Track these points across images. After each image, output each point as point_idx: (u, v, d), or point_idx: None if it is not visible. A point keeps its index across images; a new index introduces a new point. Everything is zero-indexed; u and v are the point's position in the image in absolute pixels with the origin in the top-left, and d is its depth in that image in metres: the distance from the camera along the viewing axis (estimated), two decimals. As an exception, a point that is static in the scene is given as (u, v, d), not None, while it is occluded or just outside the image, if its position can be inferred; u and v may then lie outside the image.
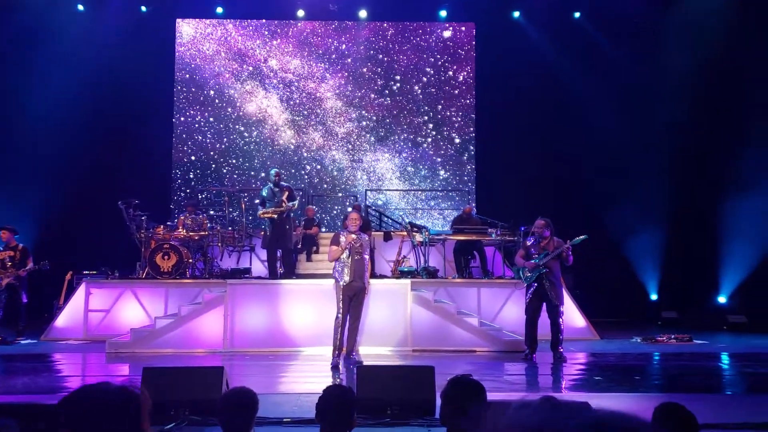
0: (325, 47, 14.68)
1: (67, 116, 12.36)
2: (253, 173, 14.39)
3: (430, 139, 14.60)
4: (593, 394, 5.71)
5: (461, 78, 14.70)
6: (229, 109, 14.50)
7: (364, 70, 14.65)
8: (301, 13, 14.26)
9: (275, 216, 9.49)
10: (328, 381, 6.50)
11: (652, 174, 12.56)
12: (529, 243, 7.97)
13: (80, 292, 9.76)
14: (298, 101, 14.59)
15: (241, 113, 14.51)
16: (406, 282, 9.04)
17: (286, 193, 9.62)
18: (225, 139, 14.44)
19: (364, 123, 14.61)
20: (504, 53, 13.93)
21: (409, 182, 14.57)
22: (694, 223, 12.52)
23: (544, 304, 7.79)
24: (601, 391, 6.03)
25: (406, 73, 14.67)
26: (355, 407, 2.78)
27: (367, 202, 13.72)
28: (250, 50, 14.62)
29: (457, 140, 14.60)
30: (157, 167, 13.95)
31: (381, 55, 14.70)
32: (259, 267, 11.45)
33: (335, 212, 14.28)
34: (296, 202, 9.87)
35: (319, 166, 14.50)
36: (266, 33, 14.68)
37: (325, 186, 14.46)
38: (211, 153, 14.40)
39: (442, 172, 14.56)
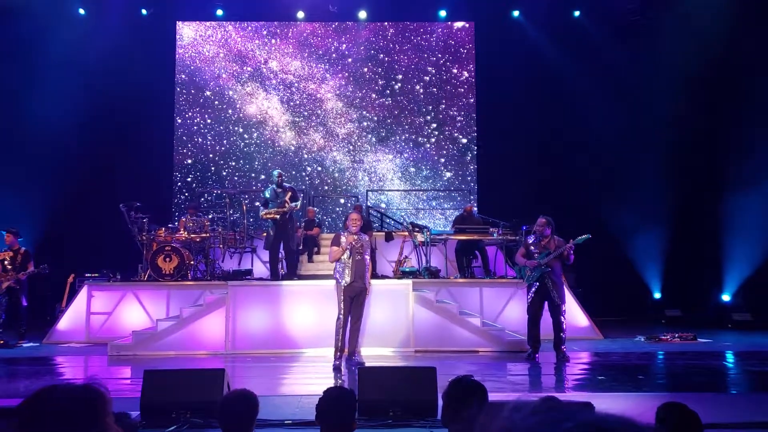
0: (325, 48, 14.67)
1: (68, 119, 12.37)
2: (253, 175, 14.38)
3: (431, 139, 14.57)
4: (597, 394, 5.68)
5: (462, 78, 14.68)
6: (230, 111, 14.50)
7: (365, 69, 14.64)
8: (300, 14, 14.26)
9: (278, 217, 9.52)
10: (329, 382, 6.48)
11: (655, 172, 12.52)
12: (529, 241, 7.95)
13: (82, 294, 9.76)
14: (298, 102, 14.58)
15: (241, 115, 14.51)
16: (408, 282, 9.03)
17: (289, 194, 9.66)
18: (225, 141, 14.43)
19: (365, 123, 14.59)
20: (504, 52, 13.92)
21: (410, 182, 14.54)
22: (697, 221, 12.48)
23: (546, 303, 7.78)
24: (605, 391, 5.99)
25: (406, 74, 14.65)
26: (355, 409, 2.76)
27: (368, 203, 13.70)
28: (250, 52, 14.62)
29: (459, 140, 14.57)
30: (158, 169, 13.96)
31: (381, 56, 14.69)
32: (260, 268, 11.44)
33: (336, 214, 14.25)
34: (299, 203, 9.90)
35: (320, 168, 14.48)
36: (266, 34, 14.68)
37: (326, 188, 14.44)
38: (212, 155, 14.40)
39: (443, 172, 14.53)
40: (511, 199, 12.62)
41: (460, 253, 10.91)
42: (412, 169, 14.51)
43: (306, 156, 14.50)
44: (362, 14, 14.38)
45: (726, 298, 12.44)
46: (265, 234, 10.36)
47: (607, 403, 4.92)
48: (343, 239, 7.38)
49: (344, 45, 14.68)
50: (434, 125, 14.59)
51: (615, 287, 12.44)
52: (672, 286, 12.95)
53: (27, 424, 1.54)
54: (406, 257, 10.54)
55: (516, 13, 14.25)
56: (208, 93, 14.49)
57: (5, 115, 12.37)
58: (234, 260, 11.22)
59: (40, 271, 9.47)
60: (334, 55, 14.65)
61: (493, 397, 3.00)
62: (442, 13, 14.47)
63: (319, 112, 14.58)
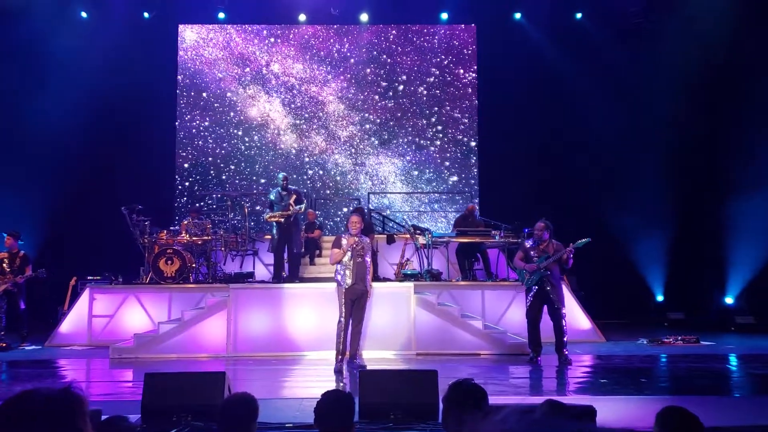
0: (327, 51, 14.68)
1: (70, 122, 12.40)
2: (255, 178, 14.39)
3: (434, 142, 14.56)
4: (599, 397, 5.65)
5: (464, 80, 14.68)
6: (231, 114, 14.52)
7: (368, 71, 14.64)
8: (302, 17, 14.28)
9: (282, 220, 9.55)
10: (331, 385, 6.46)
11: (658, 173, 12.49)
12: (528, 245, 7.97)
13: (84, 297, 9.76)
14: (300, 105, 14.59)
15: (242, 117, 14.52)
16: (410, 285, 9.02)
17: (294, 196, 9.72)
18: (227, 144, 14.45)
19: (367, 126, 14.60)
20: (506, 55, 13.91)
21: (412, 185, 14.53)
22: (700, 223, 12.44)
23: (546, 306, 7.78)
24: (607, 394, 5.96)
25: (408, 76, 14.66)
26: (353, 412, 2.74)
27: (370, 206, 13.69)
28: (252, 55, 14.64)
29: (461, 142, 14.56)
30: (160, 172, 13.98)
31: (383, 58, 14.69)
32: (262, 271, 11.45)
33: (339, 217, 14.24)
34: (303, 206, 9.95)
35: (321, 171, 14.48)
36: (268, 37, 14.70)
37: (328, 192, 14.43)
38: (214, 158, 14.41)
39: (445, 174, 14.52)
40: (513, 201, 12.61)
41: (461, 256, 10.90)
42: (415, 173, 14.49)
43: (307, 159, 14.50)
44: (364, 17, 14.39)
45: (729, 300, 12.39)
46: (269, 237, 10.39)
47: (609, 406, 4.90)
48: (343, 241, 7.38)
49: (346, 48, 14.69)
50: (436, 128, 14.58)
51: (617, 290, 12.41)
52: (675, 288, 12.91)
53: (3, 426, 1.56)
54: (408, 260, 10.53)
55: (518, 16, 14.24)
56: (209, 96, 14.51)
57: (7, 117, 12.42)
58: (236, 263, 11.22)
59: (37, 275, 9.47)
60: (336, 58, 14.66)
61: (495, 400, 2.98)
62: (444, 16, 14.47)
63: (321, 114, 14.59)
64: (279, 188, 9.86)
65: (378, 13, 14.39)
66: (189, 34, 14.64)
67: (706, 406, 4.58)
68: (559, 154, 13.26)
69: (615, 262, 12.63)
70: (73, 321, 9.75)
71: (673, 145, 12.40)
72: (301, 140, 14.54)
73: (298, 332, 8.75)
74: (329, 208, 14.48)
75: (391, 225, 13.37)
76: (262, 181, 14.28)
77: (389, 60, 14.69)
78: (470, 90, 14.65)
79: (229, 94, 14.54)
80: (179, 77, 14.51)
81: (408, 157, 14.53)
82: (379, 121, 14.61)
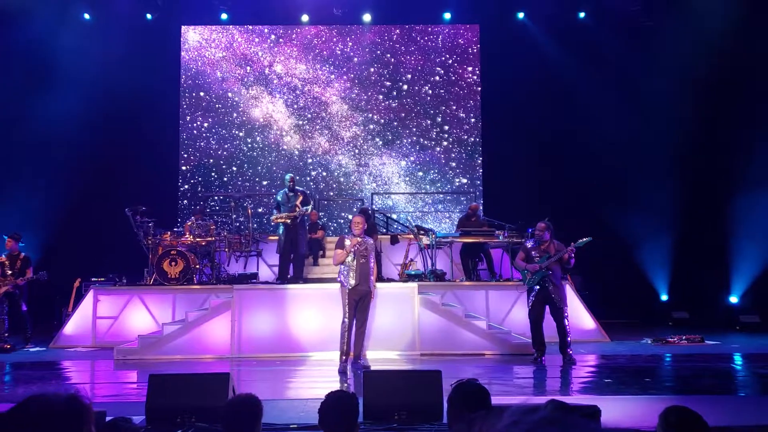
0: (330, 51, 14.68)
1: (73, 123, 12.43)
2: (257, 179, 14.40)
3: (439, 142, 14.55)
4: (603, 397, 5.65)
5: (467, 80, 14.66)
6: (234, 115, 14.53)
7: (372, 69, 14.63)
8: (305, 18, 14.28)
9: (288, 221, 9.56)
10: (335, 386, 6.46)
11: (662, 173, 12.46)
12: (529, 245, 7.99)
13: (88, 299, 9.78)
14: (303, 106, 14.59)
15: (246, 118, 14.53)
16: (414, 285, 9.02)
17: (300, 197, 9.72)
18: (230, 145, 14.46)
19: (371, 126, 14.59)
20: (509, 55, 13.88)
21: (416, 186, 14.52)
22: (704, 222, 12.40)
23: (548, 306, 7.79)
24: (611, 394, 5.96)
25: (412, 76, 14.64)
26: (357, 413, 2.74)
27: (374, 206, 13.68)
28: (254, 55, 14.65)
29: (464, 142, 14.54)
30: (164, 173, 14.00)
31: (386, 58, 14.68)
32: (266, 272, 11.45)
33: (342, 219, 14.23)
34: (310, 207, 9.95)
35: (325, 173, 14.47)
36: (271, 38, 14.71)
37: (332, 194, 14.43)
38: (217, 159, 14.42)
39: (449, 175, 14.50)
40: (517, 202, 12.59)
41: (465, 256, 10.89)
42: (420, 173, 14.47)
43: (311, 160, 14.50)
44: (367, 17, 14.38)
45: (734, 299, 12.35)
46: (275, 238, 10.41)
47: (613, 406, 4.88)
48: (346, 242, 7.38)
49: (349, 48, 14.69)
50: (440, 128, 14.56)
51: (621, 289, 12.39)
52: (679, 287, 12.87)
53: (10, 431, 1.57)
54: (412, 260, 10.53)
55: (521, 15, 14.22)
56: (212, 97, 14.53)
57: (11, 119, 12.44)
58: (239, 264, 11.24)
59: (38, 278, 9.49)
60: (339, 58, 14.65)
61: (500, 400, 2.98)
62: (447, 16, 14.46)
63: (324, 115, 14.59)
64: (286, 189, 9.87)
65: (381, 13, 14.38)
66: (192, 35, 14.66)
67: (710, 406, 4.57)
68: (563, 153, 13.23)
69: (619, 262, 12.60)
70: (77, 322, 9.76)
71: (678, 144, 12.36)
72: (304, 141, 14.54)
73: (302, 333, 8.75)
74: (333, 209, 14.47)
75: (395, 225, 13.36)
76: (265, 182, 14.28)
77: (393, 60, 14.68)
78: (475, 90, 14.63)
79: (232, 95, 14.56)
80: (182, 78, 14.52)
81: (412, 158, 14.52)
82: (382, 121, 14.60)
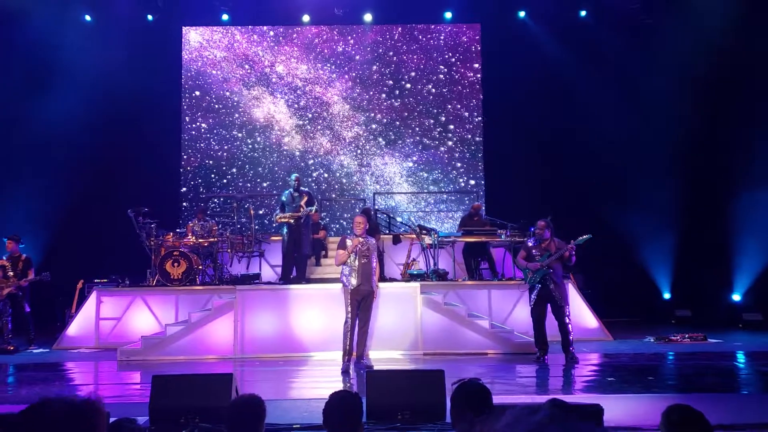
0: (331, 51, 14.68)
1: (75, 124, 12.45)
2: (259, 180, 14.41)
3: (442, 141, 14.53)
4: (606, 396, 5.65)
5: (470, 78, 14.65)
6: (236, 115, 14.53)
7: (374, 68, 14.62)
8: (306, 18, 14.28)
9: (292, 221, 9.57)
10: (338, 386, 6.47)
11: (663, 172, 12.45)
12: (530, 244, 8.00)
13: (91, 300, 9.80)
14: (304, 106, 14.60)
15: (247, 119, 14.54)
16: (416, 285, 9.02)
17: (305, 198, 9.74)
18: (232, 146, 14.47)
19: (373, 126, 14.59)
20: (510, 53, 13.86)
21: (418, 185, 14.52)
22: (706, 220, 12.39)
23: (549, 305, 7.79)
24: (614, 393, 5.96)
25: (413, 76, 14.63)
26: (361, 412, 2.75)
27: (376, 206, 13.69)
28: (255, 56, 14.65)
29: (466, 142, 14.53)
30: (166, 174, 14.01)
31: (388, 58, 14.68)
32: (268, 272, 11.46)
33: (344, 220, 14.23)
34: (314, 208, 9.96)
35: (326, 173, 14.47)
36: (272, 38, 14.71)
37: (334, 196, 14.43)
38: (218, 160, 14.43)
39: (452, 175, 14.50)
40: (519, 201, 12.58)
41: (468, 256, 10.89)
42: (423, 174, 14.45)
43: (312, 160, 14.50)
44: (368, 17, 14.38)
45: (736, 297, 12.34)
46: (278, 238, 10.43)
47: (616, 404, 4.89)
48: (348, 242, 7.39)
49: (351, 48, 14.69)
50: (443, 127, 14.55)
51: (624, 288, 12.38)
52: (682, 286, 12.85)
53: (24, 431, 1.58)
54: (414, 260, 10.53)
55: (522, 14, 14.21)
56: (214, 97, 14.54)
57: (12, 120, 12.46)
58: (242, 264, 11.25)
59: (41, 278, 9.52)
60: (340, 58, 14.65)
61: (502, 399, 2.99)
62: (448, 15, 14.45)
63: (326, 115, 14.59)
64: (291, 189, 9.88)
65: (381, 13, 14.37)
66: (193, 36, 14.68)
67: (713, 404, 4.56)
68: (565, 152, 13.21)
69: (622, 260, 12.59)
70: (80, 324, 9.78)
71: (680, 142, 12.35)
72: (305, 141, 14.54)
73: (304, 333, 8.76)
74: (335, 209, 14.47)
75: (397, 225, 13.37)
76: (266, 183, 14.29)
77: (395, 58, 14.66)
78: (477, 88, 14.62)
79: (233, 96, 14.56)
80: (183, 79, 14.54)
81: (414, 157, 14.51)
82: (385, 121, 14.59)
